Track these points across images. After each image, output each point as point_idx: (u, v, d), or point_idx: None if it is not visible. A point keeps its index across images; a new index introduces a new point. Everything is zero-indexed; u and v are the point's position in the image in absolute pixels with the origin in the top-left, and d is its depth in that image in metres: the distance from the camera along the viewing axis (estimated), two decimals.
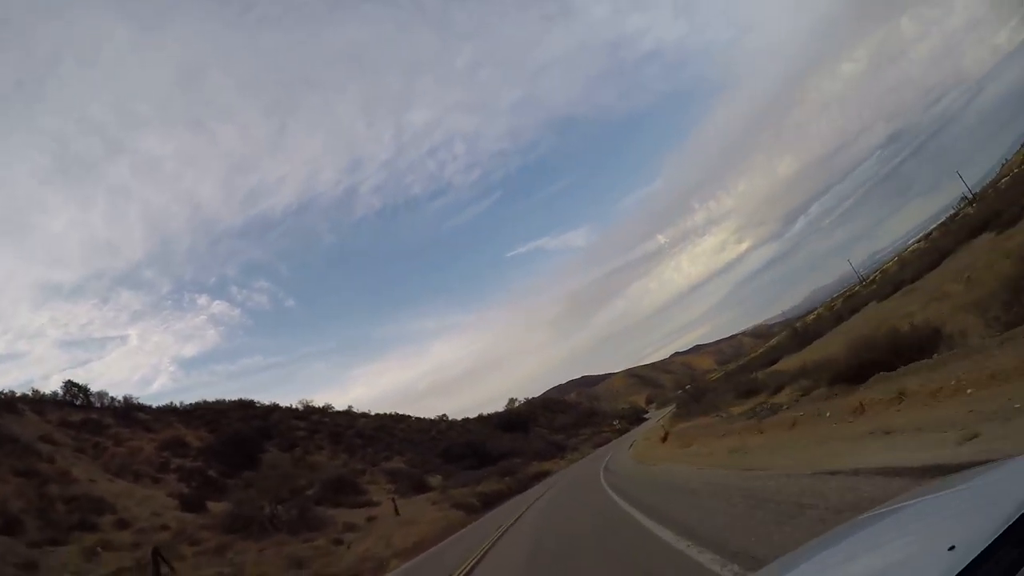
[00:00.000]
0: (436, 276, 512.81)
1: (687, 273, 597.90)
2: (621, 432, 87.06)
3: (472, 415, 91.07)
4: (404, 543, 23.63)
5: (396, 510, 34.51)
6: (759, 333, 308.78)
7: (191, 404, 65.15)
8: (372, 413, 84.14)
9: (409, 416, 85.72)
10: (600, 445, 72.10)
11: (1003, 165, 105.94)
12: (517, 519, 18.05)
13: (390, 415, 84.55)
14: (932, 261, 31.97)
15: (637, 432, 61.43)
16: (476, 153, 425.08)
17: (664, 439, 26.29)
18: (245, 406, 67.94)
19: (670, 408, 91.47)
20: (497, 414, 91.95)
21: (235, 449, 42.70)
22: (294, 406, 74.51)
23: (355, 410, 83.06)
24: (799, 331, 51.04)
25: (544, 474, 49.34)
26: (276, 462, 41.10)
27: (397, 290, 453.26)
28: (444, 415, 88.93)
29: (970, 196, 57.17)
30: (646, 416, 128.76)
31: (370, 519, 32.89)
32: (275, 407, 72.43)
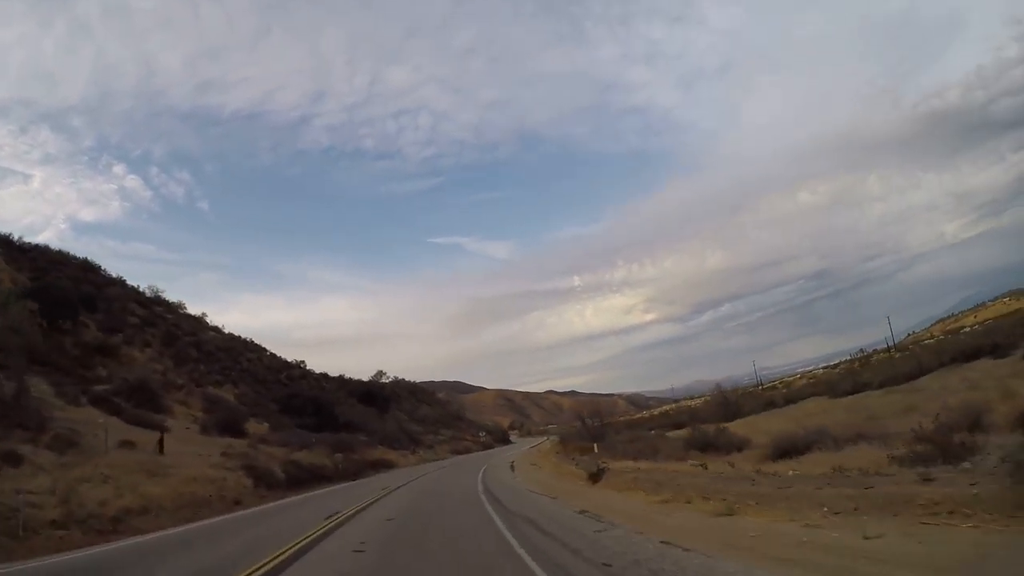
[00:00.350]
0: (354, 233, 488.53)
1: (588, 321, 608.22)
2: (486, 447, 77.96)
3: (334, 375, 79.04)
4: (112, 502, 12.89)
5: (161, 448, 23.13)
6: (635, 401, 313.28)
7: (31, 243, 55.99)
8: (225, 331, 70.73)
9: (264, 350, 72.60)
10: (460, 453, 62.62)
11: (909, 335, 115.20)
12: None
13: (244, 339, 71.10)
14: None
15: (509, 454, 52.14)
16: (437, 133, 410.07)
17: (595, 479, 17.02)
18: (88, 269, 57.47)
19: (541, 440, 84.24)
20: (359, 382, 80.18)
21: (48, 305, 37.02)
22: (142, 288, 61.84)
23: (208, 320, 69.73)
24: (728, 403, 45.34)
25: (386, 465, 39.14)
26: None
27: (311, 232, 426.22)
28: (303, 362, 76.42)
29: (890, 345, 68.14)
30: (512, 440, 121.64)
31: (127, 444, 21.62)
32: (120, 282, 59.98)
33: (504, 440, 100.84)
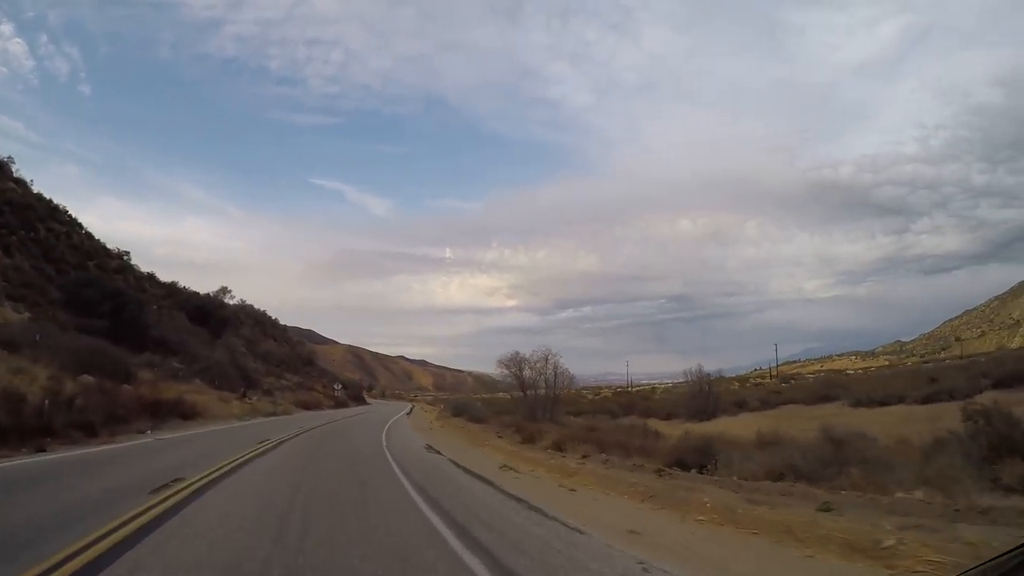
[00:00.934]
0: (235, 156, 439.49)
1: (452, 295, 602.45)
2: (339, 404, 64.60)
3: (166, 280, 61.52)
4: None
5: None
6: (483, 381, 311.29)
7: None
8: (34, 188, 51.25)
9: (80, 227, 53.39)
10: (308, 407, 49.11)
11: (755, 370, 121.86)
12: None
13: (55, 206, 51.83)
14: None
15: (390, 420, 38.51)
16: (346, 73, 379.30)
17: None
18: None
19: (407, 405, 72.98)
20: (193, 293, 63.44)
21: None
22: None
23: (12, 170, 50.37)
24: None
25: (186, 413, 23.58)
26: None
27: (191, 145, 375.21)
28: (127, 253, 58.40)
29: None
30: (368, 401, 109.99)
31: None
32: None
33: (359, 399, 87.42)
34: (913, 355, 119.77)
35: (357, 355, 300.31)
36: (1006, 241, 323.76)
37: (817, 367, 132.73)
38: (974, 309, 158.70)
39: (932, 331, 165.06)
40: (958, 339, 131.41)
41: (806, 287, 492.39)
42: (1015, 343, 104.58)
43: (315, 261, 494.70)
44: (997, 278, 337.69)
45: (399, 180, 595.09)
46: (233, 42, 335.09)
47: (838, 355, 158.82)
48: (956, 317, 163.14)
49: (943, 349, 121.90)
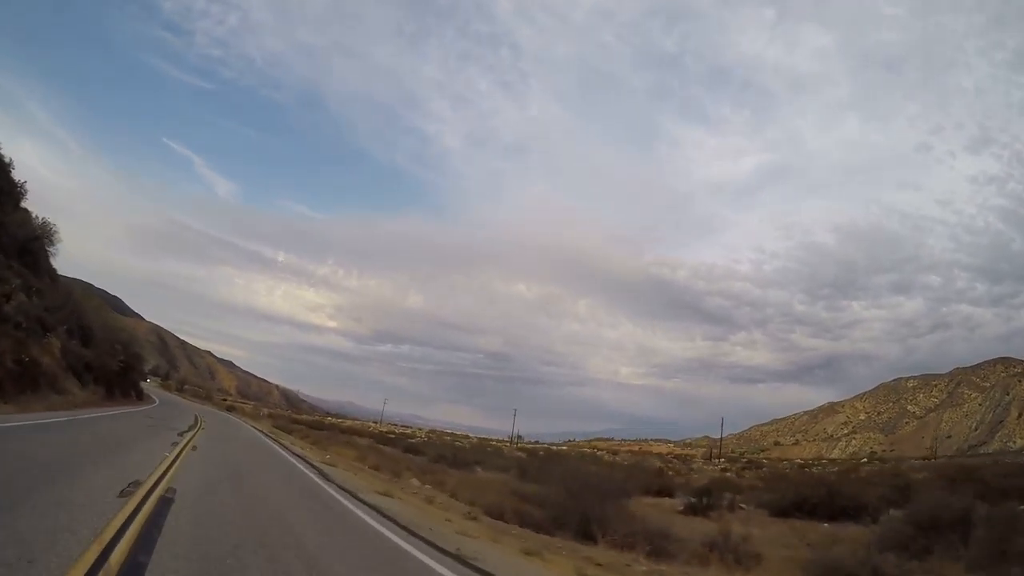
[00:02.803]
0: (93, 84, 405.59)
1: (274, 302, 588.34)
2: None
3: None
4: None
5: None
6: (289, 397, 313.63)
7: None
8: None
9: None
10: None
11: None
12: None
13: None
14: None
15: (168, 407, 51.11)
16: (236, 40, 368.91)
17: None
18: None
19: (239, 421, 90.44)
20: None
21: None
22: None
23: None
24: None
25: None
26: None
27: (53, 59, 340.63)
28: None
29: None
30: (151, 397, 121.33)
31: None
32: None
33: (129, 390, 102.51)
34: (734, 453, 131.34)
35: (162, 338, 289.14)
36: (809, 367, 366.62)
37: (635, 447, 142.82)
38: (783, 419, 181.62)
39: (742, 432, 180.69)
40: (777, 443, 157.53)
41: (620, 371, 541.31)
42: (833, 454, 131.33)
43: (142, 226, 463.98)
44: (794, 396, 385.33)
45: (253, 168, 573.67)
46: None
47: (653, 439, 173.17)
48: (765, 423, 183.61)
49: (761, 450, 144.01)
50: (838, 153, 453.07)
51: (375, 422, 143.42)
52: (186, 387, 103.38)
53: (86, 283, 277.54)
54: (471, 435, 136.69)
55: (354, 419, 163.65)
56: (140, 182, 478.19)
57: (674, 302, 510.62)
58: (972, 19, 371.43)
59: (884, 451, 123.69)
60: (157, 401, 53.55)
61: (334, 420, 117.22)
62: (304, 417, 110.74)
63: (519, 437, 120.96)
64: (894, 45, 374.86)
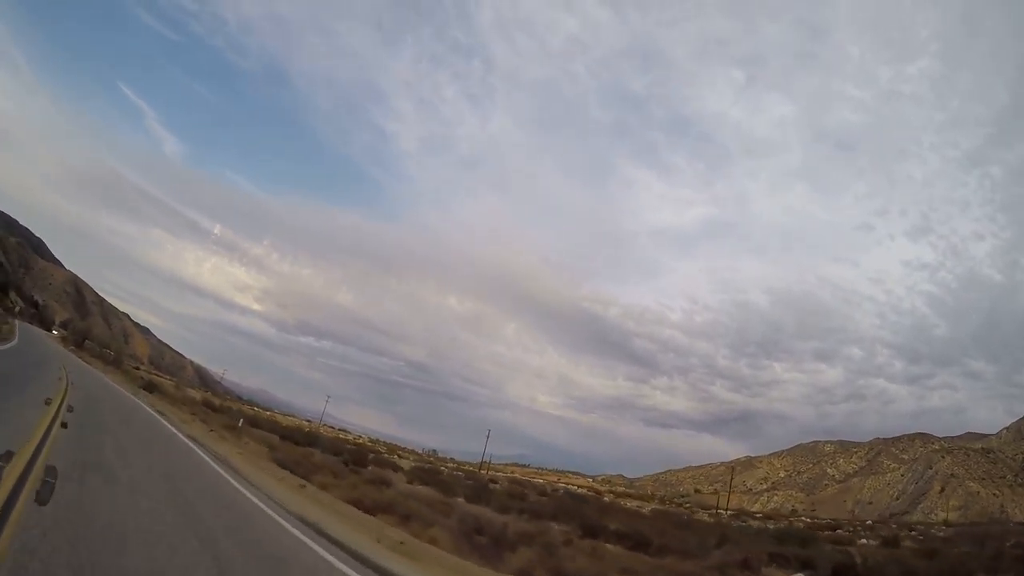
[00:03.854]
0: (56, 13, 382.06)
1: (203, 274, 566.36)
2: None
3: None
4: None
5: None
6: (203, 375, 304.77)
7: None
8: None
9: None
10: None
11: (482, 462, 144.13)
12: None
13: None
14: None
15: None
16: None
17: None
18: None
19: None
20: None
21: None
22: None
23: None
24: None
25: None
26: None
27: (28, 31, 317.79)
28: None
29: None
30: (54, 330, 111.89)
31: None
32: None
33: (40, 321, 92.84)
34: (652, 494, 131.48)
35: (79, 290, 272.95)
36: (725, 419, 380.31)
37: (553, 477, 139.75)
38: (699, 467, 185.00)
39: (656, 475, 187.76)
40: (697, 491, 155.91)
41: (539, 399, 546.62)
42: (755, 507, 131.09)
43: (81, 171, 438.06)
44: (706, 446, 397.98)
45: (204, 132, 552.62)
46: None
47: (569, 471, 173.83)
48: (680, 469, 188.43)
49: (683, 496, 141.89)
50: (783, 218, 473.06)
51: (308, 420, 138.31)
52: (87, 342, 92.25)
53: (10, 218, 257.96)
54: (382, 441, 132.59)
55: (282, 413, 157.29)
56: (87, 122, 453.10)
57: (602, 338, 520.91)
58: (932, 115, 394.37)
59: (805, 510, 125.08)
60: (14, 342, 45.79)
61: (260, 411, 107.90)
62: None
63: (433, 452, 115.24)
64: (853, 125, 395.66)
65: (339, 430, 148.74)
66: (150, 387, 51.50)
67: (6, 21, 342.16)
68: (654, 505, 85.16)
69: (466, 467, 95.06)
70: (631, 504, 74.98)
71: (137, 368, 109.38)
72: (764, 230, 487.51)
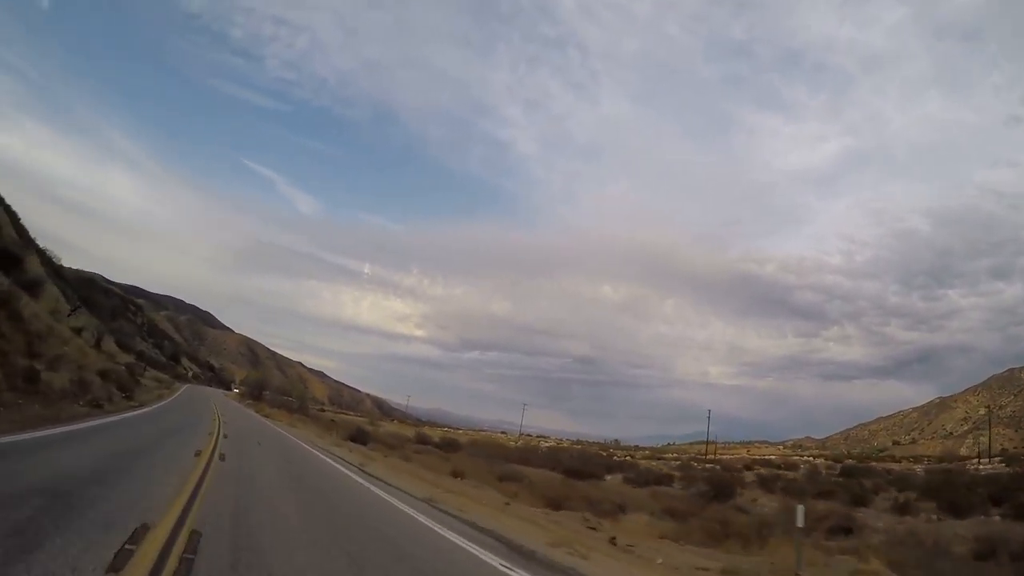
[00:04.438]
0: (175, 117, 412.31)
1: (361, 312, 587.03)
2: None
3: None
4: None
5: None
6: (381, 405, 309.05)
7: None
8: None
9: None
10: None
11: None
12: None
13: None
14: None
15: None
16: (307, 62, 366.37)
17: None
18: None
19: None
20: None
21: None
22: None
23: None
24: None
25: None
26: None
27: (133, 90, 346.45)
28: None
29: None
30: (233, 388, 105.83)
31: None
32: None
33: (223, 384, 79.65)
34: (847, 452, 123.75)
35: (252, 349, 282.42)
36: (907, 361, 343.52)
37: (743, 451, 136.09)
38: (889, 417, 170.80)
39: (845, 432, 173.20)
40: (896, 442, 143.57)
41: (710, 372, 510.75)
42: (963, 451, 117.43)
43: (230, 245, 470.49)
44: (892, 393, 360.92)
45: (333, 184, 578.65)
46: None
47: (757, 441, 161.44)
48: (870, 422, 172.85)
49: (880, 451, 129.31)
50: (923, 131, 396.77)
51: (503, 432, 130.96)
52: (265, 393, 77.83)
53: (177, 300, 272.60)
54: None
55: (477, 429, 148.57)
56: (224, 203, 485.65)
57: (763, 297, 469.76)
58: None
59: (1016, 448, 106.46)
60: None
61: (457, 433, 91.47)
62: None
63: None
64: (973, 9, 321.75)
65: (537, 437, 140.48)
66: (358, 438, 32.06)
67: (131, 137, 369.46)
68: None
69: (667, 455, 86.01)
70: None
71: (322, 410, 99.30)
72: (907, 149, 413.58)
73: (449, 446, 48.74)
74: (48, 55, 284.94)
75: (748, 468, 60.87)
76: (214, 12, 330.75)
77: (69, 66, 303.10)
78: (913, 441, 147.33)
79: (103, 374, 25.84)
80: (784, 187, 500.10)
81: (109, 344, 60.08)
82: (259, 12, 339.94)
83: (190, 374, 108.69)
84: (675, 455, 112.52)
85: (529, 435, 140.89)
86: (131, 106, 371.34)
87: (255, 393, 76.60)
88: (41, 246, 50.73)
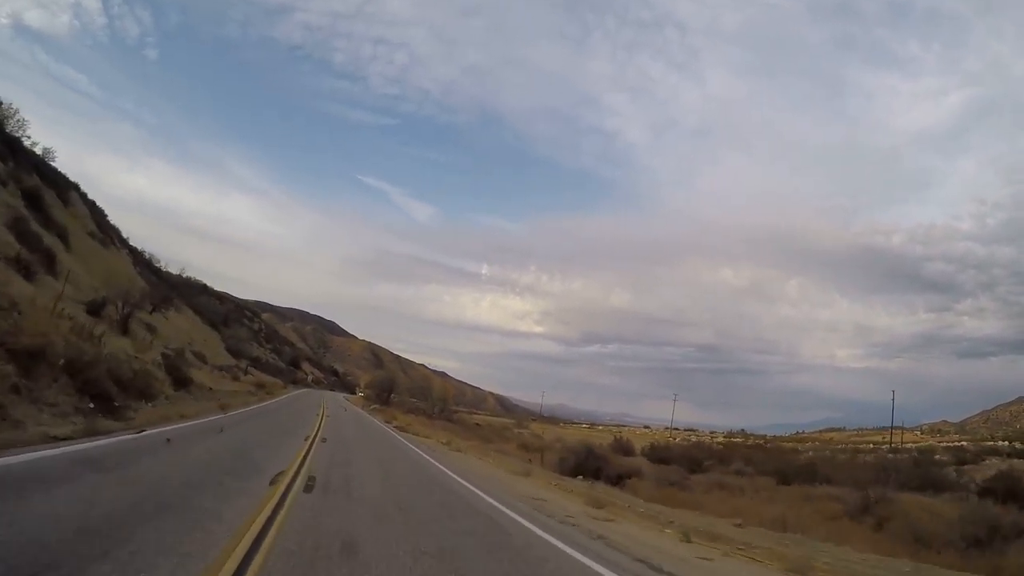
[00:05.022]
0: (287, 142, 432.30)
1: (481, 313, 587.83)
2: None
3: None
4: None
5: None
6: (504, 403, 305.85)
7: None
8: None
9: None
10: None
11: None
12: None
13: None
14: None
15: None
16: (408, 76, 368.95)
17: None
18: None
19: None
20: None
21: None
22: None
23: None
24: None
25: None
26: None
27: (245, 124, 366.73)
28: None
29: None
30: (358, 392, 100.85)
31: None
32: None
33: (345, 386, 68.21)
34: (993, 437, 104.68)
35: (375, 353, 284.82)
36: None
37: (876, 437, 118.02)
38: None
39: (984, 414, 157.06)
40: None
41: (837, 355, 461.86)
42: None
43: (351, 257, 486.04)
44: None
45: (446, 190, 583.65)
46: (301, 30, 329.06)
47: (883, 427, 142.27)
48: (1012, 402, 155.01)
49: None
50: None
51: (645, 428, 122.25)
52: (393, 397, 65.55)
53: (302, 311, 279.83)
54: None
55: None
56: (343, 218, 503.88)
57: (891, 272, 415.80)
58: None
59: None
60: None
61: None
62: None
63: None
64: None
65: (685, 430, 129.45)
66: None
67: (250, 165, 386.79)
68: None
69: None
70: None
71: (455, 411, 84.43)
72: None
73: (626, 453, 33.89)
74: (164, 101, 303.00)
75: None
76: (314, 42, 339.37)
77: (186, 110, 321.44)
78: None
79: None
80: (907, 150, 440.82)
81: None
82: (356, 35, 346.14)
83: (310, 378, 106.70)
84: (845, 443, 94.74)
85: (677, 428, 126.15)
86: (247, 137, 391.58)
87: (382, 396, 64.30)
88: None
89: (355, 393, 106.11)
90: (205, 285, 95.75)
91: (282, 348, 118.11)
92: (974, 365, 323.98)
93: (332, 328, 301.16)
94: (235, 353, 66.84)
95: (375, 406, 55.79)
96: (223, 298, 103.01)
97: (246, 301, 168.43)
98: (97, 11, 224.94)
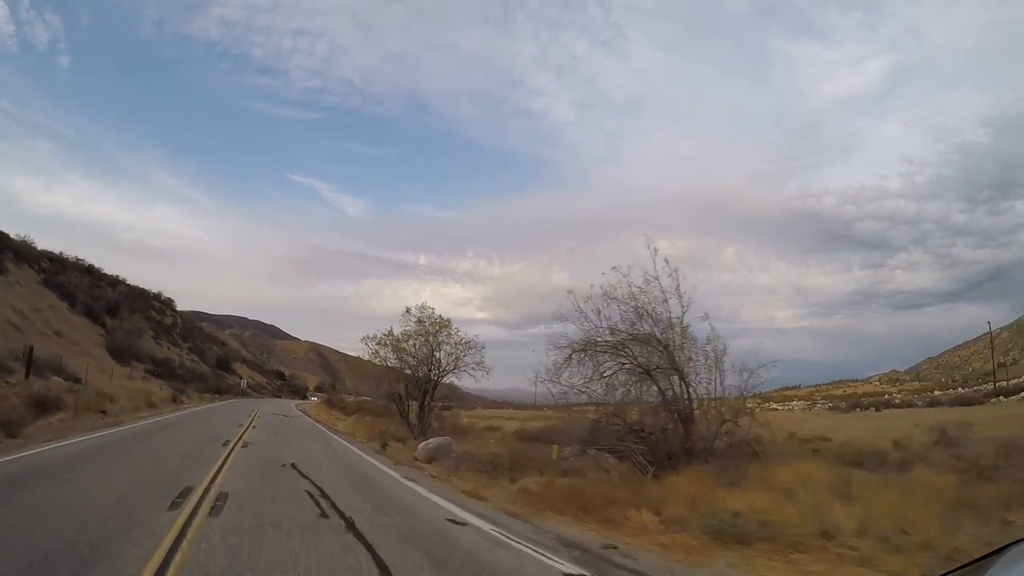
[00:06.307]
0: (210, 144, 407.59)
1: (422, 302, 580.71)
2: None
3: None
4: None
5: None
6: (455, 391, 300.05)
7: None
8: None
9: None
10: None
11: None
12: None
13: None
14: None
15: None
16: (330, 67, 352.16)
17: None
18: None
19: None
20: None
21: None
22: None
23: None
24: None
25: None
26: None
27: (166, 128, 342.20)
28: None
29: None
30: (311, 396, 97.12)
31: None
32: None
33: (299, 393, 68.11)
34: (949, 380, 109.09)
35: (321, 354, 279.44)
36: (977, 281, 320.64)
37: (851, 389, 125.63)
38: (977, 340, 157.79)
39: (932, 360, 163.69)
40: (1002, 364, 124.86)
41: (777, 316, 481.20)
42: None
43: (285, 258, 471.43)
44: (966, 317, 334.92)
45: (376, 182, 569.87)
46: (218, 25, 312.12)
47: (848, 381, 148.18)
48: (957, 347, 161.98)
49: (986, 375, 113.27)
50: (967, 35, 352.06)
51: None
52: (348, 397, 65.88)
53: (240, 317, 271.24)
54: None
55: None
56: (274, 218, 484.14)
57: (825, 233, 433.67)
58: None
59: None
60: None
61: None
62: None
63: None
64: None
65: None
66: None
67: (173, 171, 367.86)
68: None
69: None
70: None
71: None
72: (953, 57, 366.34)
73: None
74: (81, 111, 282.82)
75: None
76: (232, 37, 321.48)
77: (104, 118, 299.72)
78: (1015, 362, 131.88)
79: None
80: (833, 115, 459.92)
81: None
82: (275, 28, 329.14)
83: (244, 383, 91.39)
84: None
85: None
86: (169, 143, 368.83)
87: (335, 400, 63.33)
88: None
89: (307, 398, 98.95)
90: (81, 261, 75.35)
91: (205, 347, 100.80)
92: (912, 316, 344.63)
93: (274, 332, 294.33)
94: (118, 354, 58.12)
95: (337, 413, 54.68)
96: (114, 282, 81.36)
97: (183, 312, 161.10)
98: (4, 18, 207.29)
